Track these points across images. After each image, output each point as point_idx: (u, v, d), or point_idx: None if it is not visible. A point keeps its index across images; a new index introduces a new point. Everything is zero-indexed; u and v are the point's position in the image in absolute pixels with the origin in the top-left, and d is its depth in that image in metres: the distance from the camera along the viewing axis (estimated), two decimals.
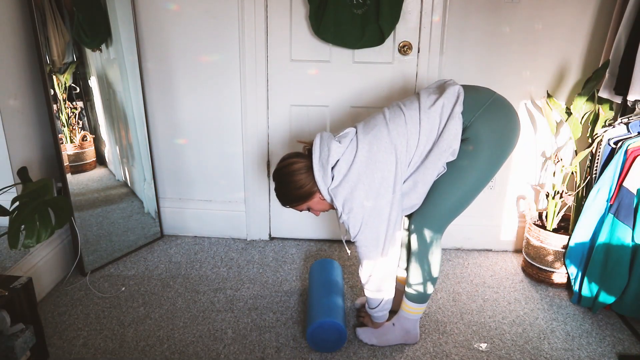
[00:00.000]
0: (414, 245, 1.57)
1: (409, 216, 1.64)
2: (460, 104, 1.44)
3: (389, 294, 1.61)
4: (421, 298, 1.63)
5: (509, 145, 1.50)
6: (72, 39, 2.00)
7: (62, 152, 1.93)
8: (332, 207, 1.59)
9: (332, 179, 1.48)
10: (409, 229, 1.64)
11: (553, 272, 2.06)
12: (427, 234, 1.56)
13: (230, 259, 2.31)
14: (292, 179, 1.52)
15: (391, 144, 1.44)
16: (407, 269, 1.69)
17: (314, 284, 1.85)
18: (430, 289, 1.62)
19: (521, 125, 1.53)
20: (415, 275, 1.59)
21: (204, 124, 2.33)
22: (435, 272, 1.61)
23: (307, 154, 1.55)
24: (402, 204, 1.50)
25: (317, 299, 1.73)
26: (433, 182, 1.51)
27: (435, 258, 1.59)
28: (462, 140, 1.46)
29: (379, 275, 1.55)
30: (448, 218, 1.55)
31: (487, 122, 1.45)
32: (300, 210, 1.62)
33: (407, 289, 1.64)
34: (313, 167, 1.49)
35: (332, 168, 1.47)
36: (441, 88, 1.53)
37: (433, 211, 1.53)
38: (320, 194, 1.53)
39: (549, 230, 2.06)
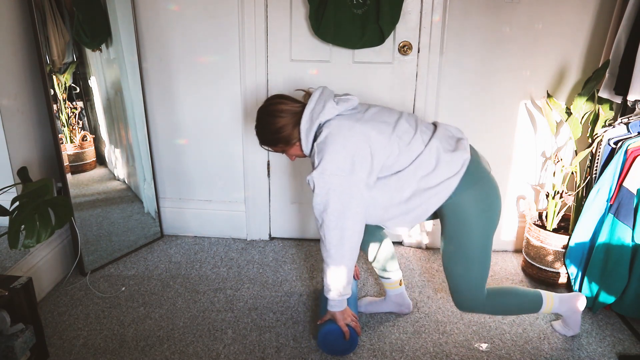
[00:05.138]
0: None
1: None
2: (458, 178, 1.44)
3: (346, 275, 1.52)
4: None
5: (496, 207, 1.51)
6: (72, 39, 2.00)
7: (62, 152, 1.93)
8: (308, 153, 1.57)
9: (319, 135, 1.45)
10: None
11: (553, 272, 2.06)
12: (476, 304, 1.59)
13: (230, 259, 2.31)
14: (272, 120, 1.50)
15: (389, 144, 1.44)
16: None
17: None
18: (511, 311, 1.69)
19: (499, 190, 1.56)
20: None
21: (204, 124, 2.33)
22: (507, 310, 1.67)
23: (301, 102, 1.54)
24: (367, 197, 1.47)
25: None
26: (447, 267, 1.55)
27: (498, 306, 1.63)
28: (448, 213, 1.48)
29: (340, 249, 1.48)
30: (480, 285, 1.57)
31: (471, 196, 1.46)
32: (276, 152, 1.61)
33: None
34: (303, 116, 1.47)
35: (321, 125, 1.46)
36: (456, 145, 1.51)
37: (468, 292, 1.56)
38: (300, 143, 1.51)
39: (549, 230, 2.06)
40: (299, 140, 1.52)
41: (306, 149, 1.52)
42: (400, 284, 1.84)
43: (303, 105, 1.53)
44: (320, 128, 1.47)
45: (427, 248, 2.44)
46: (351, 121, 1.45)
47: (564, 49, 2.09)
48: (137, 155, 2.34)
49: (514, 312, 1.69)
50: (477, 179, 1.46)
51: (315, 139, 1.48)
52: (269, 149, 1.60)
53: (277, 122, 1.50)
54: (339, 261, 1.48)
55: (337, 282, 1.51)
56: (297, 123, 1.50)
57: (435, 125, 1.57)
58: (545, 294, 1.67)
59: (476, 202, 1.46)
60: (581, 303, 1.72)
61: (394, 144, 1.44)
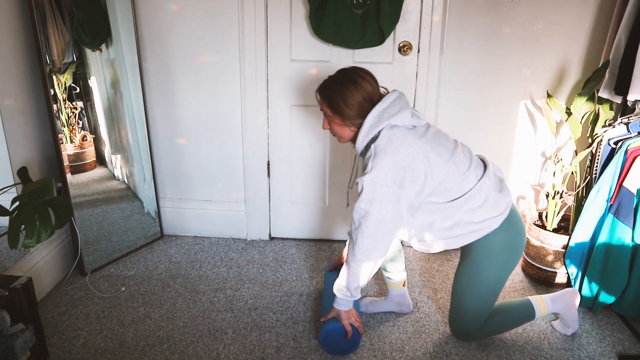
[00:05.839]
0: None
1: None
2: (501, 219, 1.48)
3: (365, 279, 1.54)
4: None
5: (520, 251, 1.57)
6: (72, 39, 2.00)
7: (62, 152, 1.93)
8: (345, 139, 1.54)
9: (378, 138, 1.42)
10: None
11: (553, 272, 2.06)
12: (472, 332, 1.65)
13: (230, 259, 2.31)
14: (351, 88, 1.43)
15: (444, 169, 1.43)
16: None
17: (333, 281, 1.81)
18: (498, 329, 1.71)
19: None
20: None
21: (204, 124, 2.33)
22: (502, 329, 1.69)
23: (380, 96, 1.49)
24: (406, 215, 1.48)
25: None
26: (457, 291, 1.60)
27: (494, 327, 1.66)
28: (477, 246, 1.52)
29: (367, 256, 1.49)
30: (482, 315, 1.61)
31: (505, 238, 1.51)
32: (320, 109, 1.54)
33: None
34: (372, 110, 1.43)
35: (385, 128, 1.43)
36: (501, 185, 1.55)
37: (469, 319, 1.62)
38: (357, 132, 1.48)
39: (549, 230, 2.06)
40: (357, 129, 1.48)
41: (360, 145, 1.48)
42: (403, 285, 1.84)
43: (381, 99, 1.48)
44: (380, 131, 1.44)
45: None
46: (414, 136, 1.44)
47: (564, 49, 2.09)
48: (137, 155, 2.34)
49: (509, 328, 1.71)
50: (514, 224, 1.52)
51: (372, 140, 1.45)
52: (319, 100, 1.51)
53: (352, 95, 1.44)
54: (363, 266, 1.49)
55: (352, 284, 1.53)
56: (364, 114, 1.46)
57: (483, 161, 1.58)
58: (535, 300, 1.69)
59: (506, 244, 1.52)
60: (575, 298, 1.73)
61: (450, 171, 1.44)
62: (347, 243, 1.85)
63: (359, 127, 1.48)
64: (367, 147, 1.48)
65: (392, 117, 1.42)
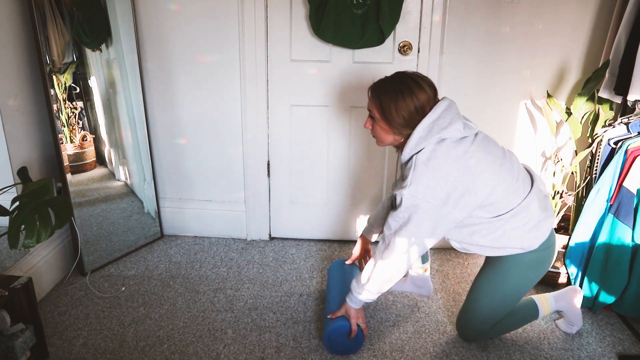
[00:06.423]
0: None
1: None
2: (541, 240, 1.48)
3: (381, 289, 1.54)
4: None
5: (546, 269, 1.58)
6: (72, 39, 2.00)
7: (62, 152, 1.93)
8: (384, 144, 1.51)
9: (422, 150, 1.37)
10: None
11: (553, 271, 2.06)
12: (481, 335, 1.64)
13: (230, 259, 2.31)
14: (407, 95, 1.36)
15: (491, 181, 1.39)
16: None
17: (336, 280, 1.81)
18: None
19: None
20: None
21: (204, 124, 2.33)
22: (508, 330, 1.68)
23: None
24: (449, 230, 1.47)
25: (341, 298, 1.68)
26: (475, 295, 1.59)
27: (499, 328, 1.64)
28: (505, 258, 1.51)
29: (387, 273, 1.49)
30: (493, 321, 1.60)
31: (537, 257, 1.51)
32: (368, 108, 1.48)
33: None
34: (422, 122, 1.37)
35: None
36: (545, 203, 1.53)
37: (480, 323, 1.60)
38: (403, 141, 1.43)
39: None
40: (403, 138, 1.44)
41: (405, 155, 1.43)
42: (424, 271, 1.86)
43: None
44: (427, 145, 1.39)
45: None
46: (460, 150, 1.38)
47: (564, 49, 2.09)
48: (137, 155, 2.34)
49: (515, 328, 1.71)
50: (549, 245, 1.52)
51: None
52: (370, 99, 1.46)
53: (405, 104, 1.37)
54: (389, 270, 1.48)
55: (374, 285, 1.51)
56: (412, 124, 1.40)
57: (529, 172, 1.56)
58: (539, 299, 1.69)
59: (536, 261, 1.52)
60: (577, 295, 1.74)
61: (496, 184, 1.41)
62: (357, 241, 1.86)
63: (406, 137, 1.44)
64: (411, 156, 1.44)
65: (443, 129, 1.36)
